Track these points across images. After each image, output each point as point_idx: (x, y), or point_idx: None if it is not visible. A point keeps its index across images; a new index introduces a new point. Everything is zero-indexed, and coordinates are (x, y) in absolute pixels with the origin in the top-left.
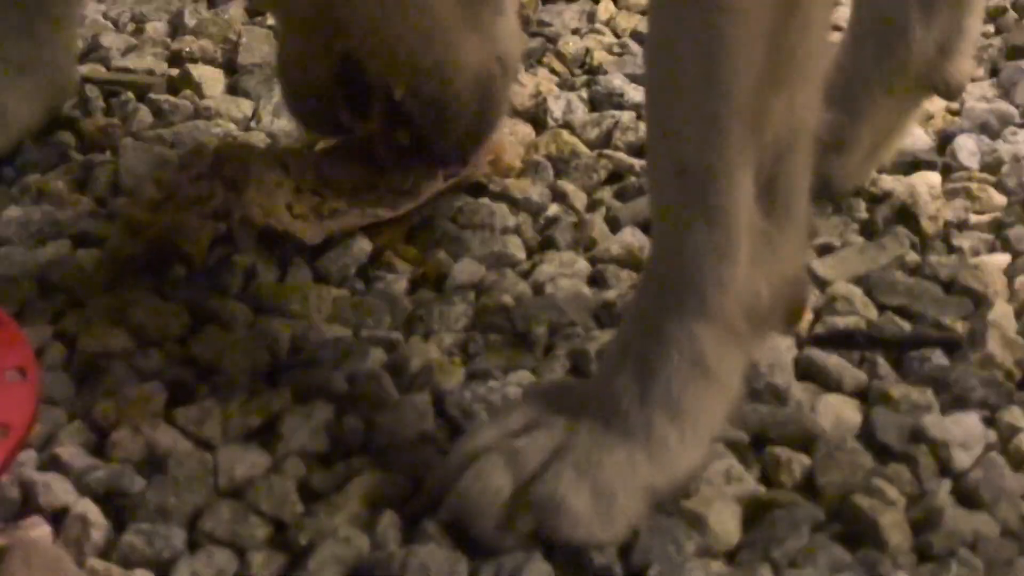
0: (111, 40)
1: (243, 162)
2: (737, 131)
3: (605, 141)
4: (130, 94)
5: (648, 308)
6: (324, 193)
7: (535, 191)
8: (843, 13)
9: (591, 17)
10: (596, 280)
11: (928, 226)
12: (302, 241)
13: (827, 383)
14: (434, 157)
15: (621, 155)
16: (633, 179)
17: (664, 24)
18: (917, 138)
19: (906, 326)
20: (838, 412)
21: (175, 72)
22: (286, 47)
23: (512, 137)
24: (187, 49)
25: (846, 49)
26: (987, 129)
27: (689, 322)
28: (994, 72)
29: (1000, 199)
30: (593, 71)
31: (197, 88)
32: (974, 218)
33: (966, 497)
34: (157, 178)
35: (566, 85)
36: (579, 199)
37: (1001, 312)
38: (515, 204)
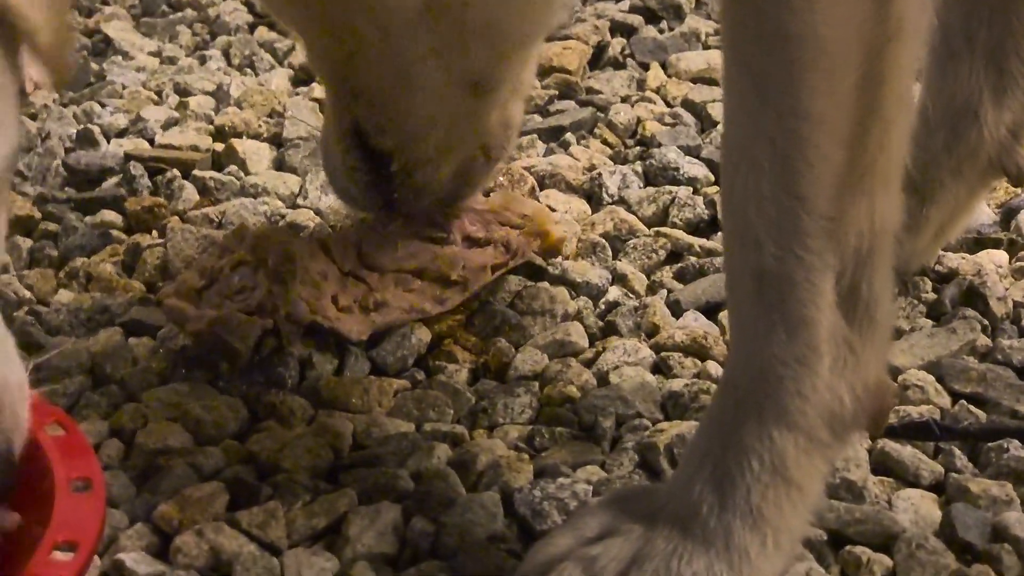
0: (152, 113)
1: (287, 251)
2: (816, 237)
3: (662, 218)
4: (175, 171)
5: (726, 414)
6: (369, 280)
7: (594, 273)
8: None
9: (640, 84)
10: (660, 368)
11: (998, 308)
12: (347, 338)
13: (903, 476)
14: (409, 215)
15: (679, 233)
16: (692, 259)
17: (740, 128)
18: (980, 212)
19: (980, 415)
20: (916, 507)
21: (220, 147)
22: (326, 121)
23: (566, 215)
24: (231, 123)
25: (916, 133)
26: None
27: (769, 430)
28: None
29: None
30: (646, 143)
31: (242, 164)
32: None
33: None
34: (199, 266)
35: (619, 158)
36: (639, 281)
37: None
38: (575, 287)
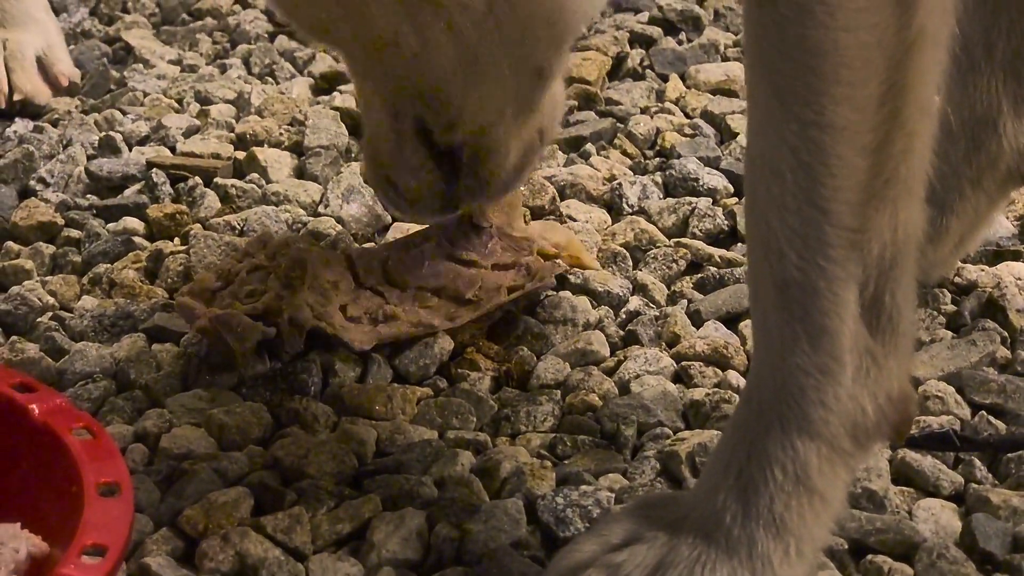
0: (173, 121)
1: (299, 258)
2: (840, 248)
3: (682, 229)
4: (197, 179)
5: (750, 423)
6: (387, 295)
7: (615, 283)
8: None
9: (659, 96)
10: (681, 377)
11: (1017, 320)
12: (349, 346)
13: (924, 486)
14: (465, 198)
15: (699, 244)
16: (712, 270)
17: (763, 139)
18: (999, 224)
19: (1000, 425)
20: (937, 517)
21: (241, 155)
22: (371, 117)
23: (587, 224)
24: (252, 131)
25: (936, 144)
26: None
27: (792, 440)
28: None
29: None
30: (665, 154)
31: (264, 172)
32: None
33: None
34: (218, 267)
35: (639, 169)
36: (659, 291)
37: None
38: (596, 297)
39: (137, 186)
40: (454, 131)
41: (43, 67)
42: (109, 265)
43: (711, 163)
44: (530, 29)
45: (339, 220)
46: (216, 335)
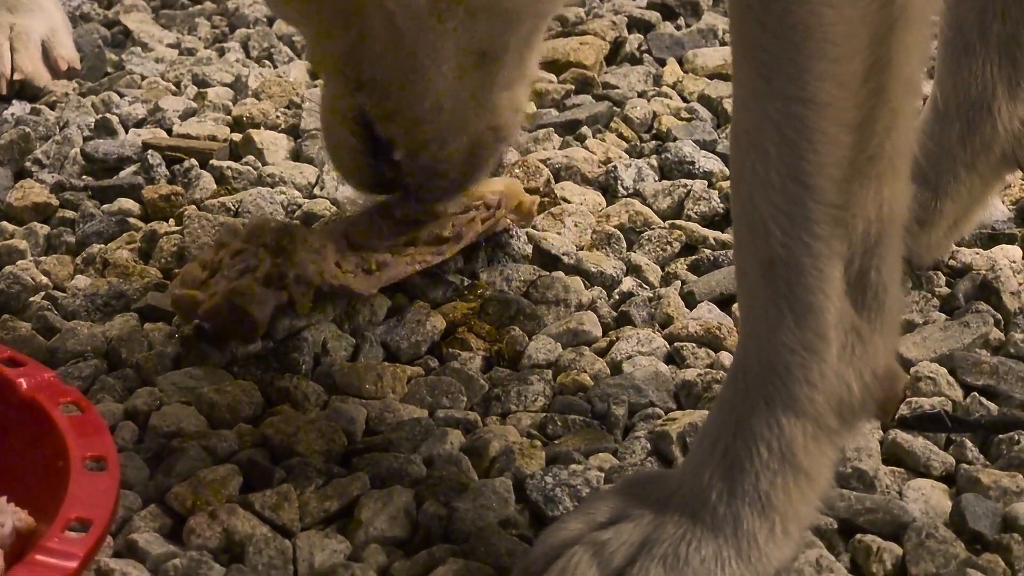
0: (170, 103)
1: (286, 227)
2: (824, 224)
3: (677, 211)
4: (192, 160)
5: (736, 402)
6: (365, 250)
7: (608, 264)
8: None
9: (657, 80)
10: (673, 358)
11: (1011, 302)
12: (359, 294)
13: (914, 467)
14: (419, 200)
15: (694, 226)
16: (707, 252)
17: (748, 115)
18: (995, 209)
19: (992, 407)
20: (927, 497)
21: (237, 137)
22: (327, 109)
23: (582, 207)
24: (249, 114)
25: (929, 126)
26: None
27: (778, 418)
28: None
29: None
30: (661, 137)
31: (260, 154)
32: None
33: None
34: (200, 259)
35: (635, 152)
36: (653, 272)
37: None
38: (589, 277)
39: (133, 167)
40: (391, 123)
41: (45, 51)
42: (103, 245)
43: (707, 146)
44: (472, 18)
45: (334, 202)
46: (229, 312)
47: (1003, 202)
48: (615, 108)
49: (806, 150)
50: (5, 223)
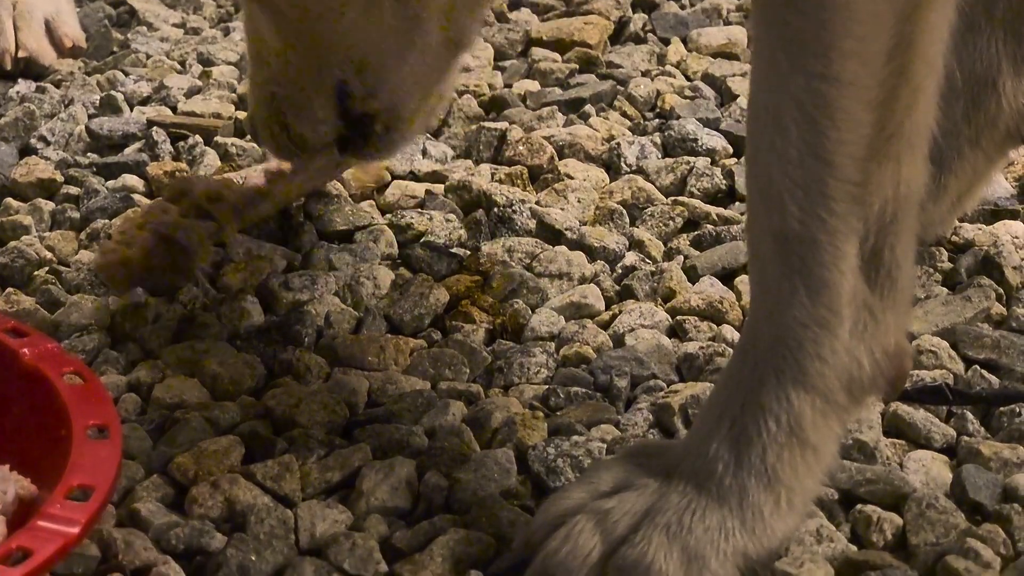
0: (175, 81)
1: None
2: (841, 201)
3: (680, 187)
4: (197, 137)
5: (745, 374)
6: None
7: (611, 239)
8: None
9: (661, 59)
10: (676, 331)
11: (1013, 277)
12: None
13: (915, 439)
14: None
15: (696, 202)
16: (709, 227)
17: (768, 91)
18: (998, 185)
19: (994, 380)
20: (928, 469)
21: (242, 115)
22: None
23: (585, 183)
24: None
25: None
26: None
27: (787, 391)
28: None
29: None
30: (665, 115)
31: None
32: None
33: None
34: (114, 239)
35: (638, 129)
36: (655, 247)
37: None
38: (592, 252)
39: (137, 144)
40: (372, 100)
41: (50, 30)
42: (107, 221)
43: (710, 124)
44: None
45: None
46: (159, 249)
47: (1006, 179)
48: (619, 87)
49: (827, 127)
50: (10, 199)
